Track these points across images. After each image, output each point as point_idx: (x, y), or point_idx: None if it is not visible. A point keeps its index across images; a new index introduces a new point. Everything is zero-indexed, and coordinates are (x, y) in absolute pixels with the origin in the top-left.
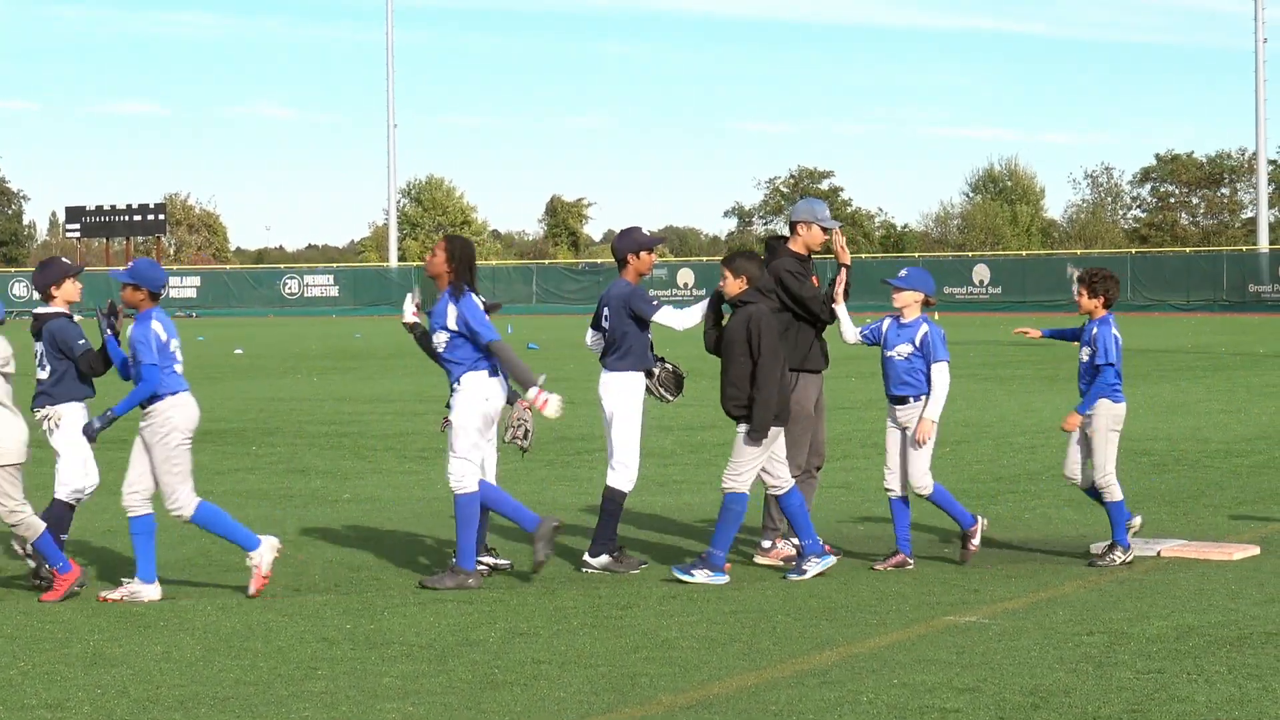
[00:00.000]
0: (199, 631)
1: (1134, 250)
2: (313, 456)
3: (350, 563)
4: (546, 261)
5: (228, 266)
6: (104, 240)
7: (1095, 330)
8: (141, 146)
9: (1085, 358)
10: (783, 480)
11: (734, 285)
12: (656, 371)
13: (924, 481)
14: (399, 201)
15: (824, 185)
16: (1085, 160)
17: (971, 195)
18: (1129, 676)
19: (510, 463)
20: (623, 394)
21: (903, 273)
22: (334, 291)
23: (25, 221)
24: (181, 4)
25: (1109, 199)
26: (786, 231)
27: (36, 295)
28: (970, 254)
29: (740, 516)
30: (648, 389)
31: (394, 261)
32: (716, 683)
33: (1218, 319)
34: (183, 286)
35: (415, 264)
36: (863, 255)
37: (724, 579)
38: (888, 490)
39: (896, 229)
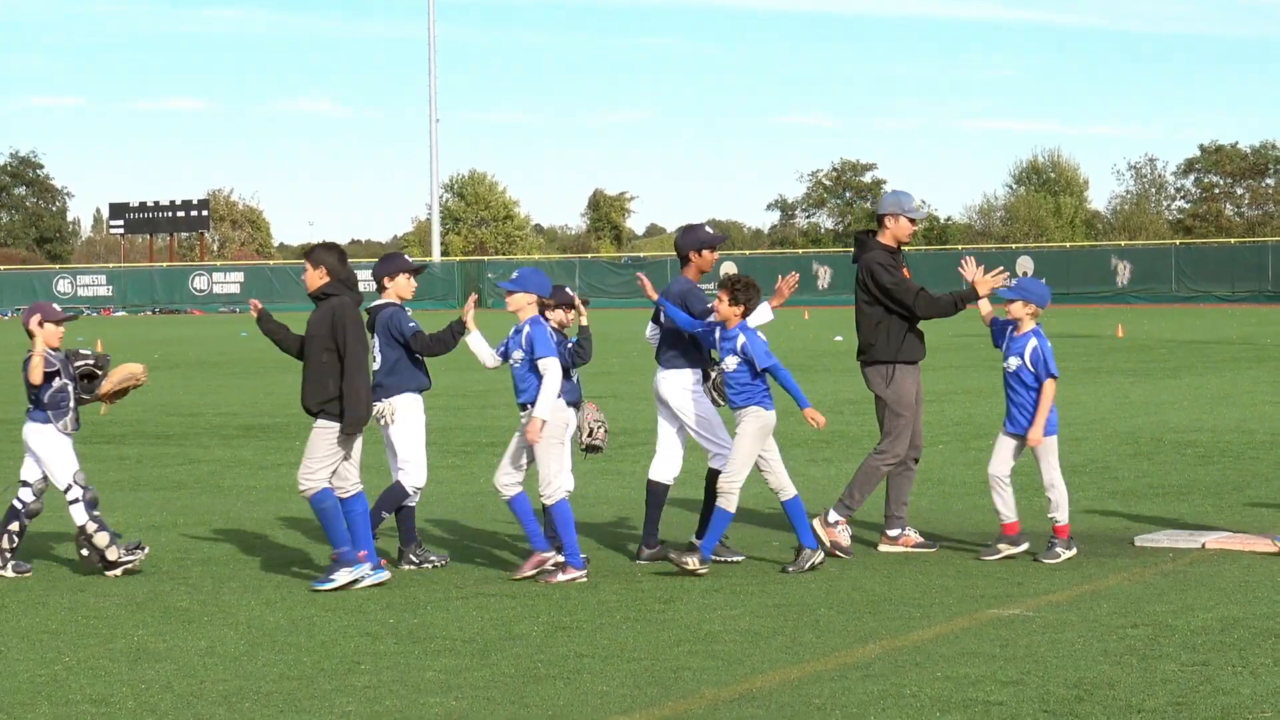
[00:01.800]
0: (242, 626)
1: (1178, 241)
2: None
3: (392, 557)
4: (589, 255)
5: (271, 262)
6: (148, 236)
7: (742, 339)
8: (184, 142)
9: (732, 367)
10: (350, 484)
11: (314, 278)
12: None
13: (547, 491)
14: (441, 196)
15: (866, 178)
16: (1128, 151)
17: (1014, 187)
18: (1173, 669)
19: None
20: (677, 391)
21: (514, 274)
22: None
23: (69, 218)
24: (224, 0)
25: (1153, 190)
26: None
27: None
28: (1014, 246)
29: (336, 510)
30: (707, 389)
31: (437, 256)
32: (759, 676)
33: (1263, 310)
34: (226, 282)
35: (459, 258)
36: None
37: (373, 572)
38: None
39: (940, 221)
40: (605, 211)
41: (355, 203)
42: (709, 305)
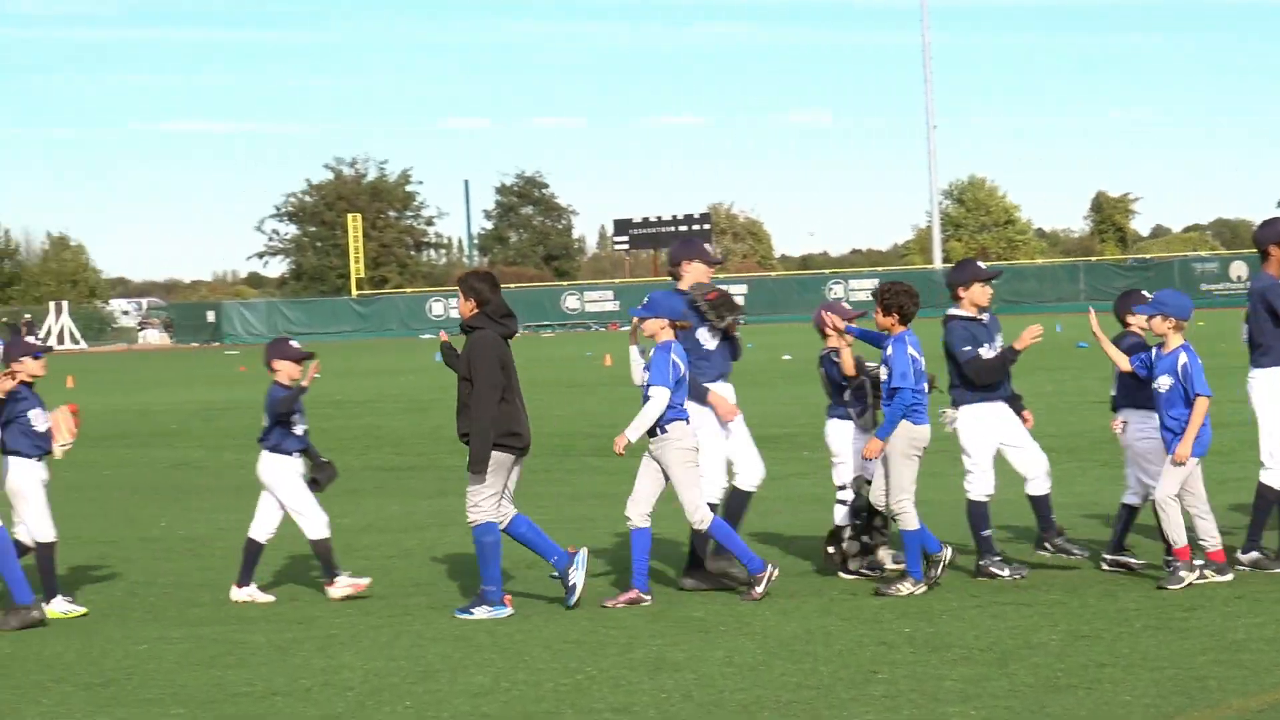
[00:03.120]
0: (758, 636)
1: None
2: None
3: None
4: (1093, 259)
5: (773, 274)
6: (651, 251)
7: (890, 349)
8: (684, 158)
9: (884, 377)
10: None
11: (465, 308)
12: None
13: (695, 517)
14: (941, 202)
15: None
16: None
17: None
18: None
19: (1062, 465)
20: (1266, 390)
21: (644, 300)
22: None
23: (575, 235)
24: (720, 14)
25: None
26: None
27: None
28: None
29: (496, 547)
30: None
31: (938, 263)
32: None
33: None
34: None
35: None
36: None
37: (506, 611)
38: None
39: None
40: (1108, 213)
41: (854, 212)
42: None
